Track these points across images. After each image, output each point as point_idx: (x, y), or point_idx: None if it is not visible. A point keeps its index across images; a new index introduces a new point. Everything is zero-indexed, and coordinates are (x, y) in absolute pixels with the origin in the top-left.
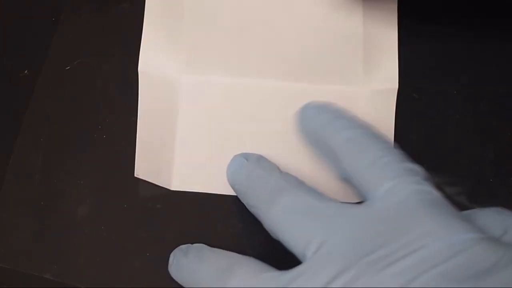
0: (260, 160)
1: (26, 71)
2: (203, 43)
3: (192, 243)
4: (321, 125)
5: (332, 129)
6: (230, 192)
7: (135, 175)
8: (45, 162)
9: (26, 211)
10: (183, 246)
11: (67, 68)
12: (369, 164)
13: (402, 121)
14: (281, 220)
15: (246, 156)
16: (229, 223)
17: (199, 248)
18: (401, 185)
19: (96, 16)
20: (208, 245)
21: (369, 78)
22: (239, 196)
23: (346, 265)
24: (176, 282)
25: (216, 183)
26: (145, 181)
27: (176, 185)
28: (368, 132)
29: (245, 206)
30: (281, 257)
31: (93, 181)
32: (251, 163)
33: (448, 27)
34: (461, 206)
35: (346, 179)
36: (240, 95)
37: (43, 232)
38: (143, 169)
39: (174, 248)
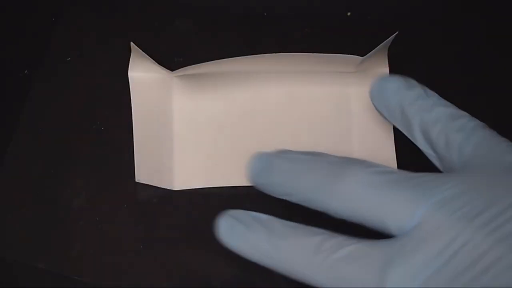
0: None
1: (26, 71)
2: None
3: (186, 238)
4: (408, 101)
5: (421, 108)
6: (231, 183)
7: (136, 180)
8: (42, 153)
9: (22, 200)
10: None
11: (67, 59)
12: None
13: None
14: (361, 195)
15: (268, 153)
16: None
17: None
18: (491, 155)
19: (97, 11)
20: (203, 240)
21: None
22: (272, 191)
23: (457, 232)
24: (169, 274)
25: (217, 177)
26: None
27: (179, 185)
28: (458, 111)
29: (239, 203)
30: None
31: (89, 173)
32: (284, 154)
33: (449, 30)
34: None
35: (427, 152)
36: (232, 89)
37: (38, 222)
38: (143, 173)
39: (168, 242)
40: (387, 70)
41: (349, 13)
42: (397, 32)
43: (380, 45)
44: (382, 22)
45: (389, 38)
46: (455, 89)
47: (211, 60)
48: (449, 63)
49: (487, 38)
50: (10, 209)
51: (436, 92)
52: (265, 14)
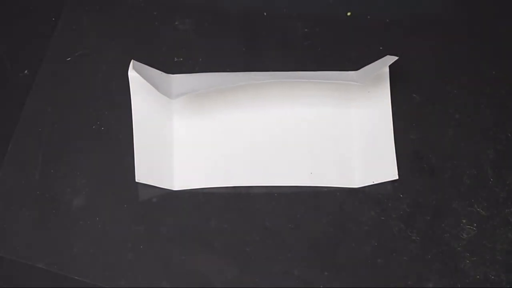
0: None
1: (26, 71)
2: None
3: (185, 238)
4: None
5: None
6: (231, 184)
7: (137, 180)
8: (42, 153)
9: (22, 200)
10: None
11: (67, 59)
12: None
13: (402, 121)
14: None
15: None
16: (223, 219)
17: None
18: None
19: (97, 12)
20: (203, 240)
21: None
22: None
23: None
24: (169, 274)
25: (217, 178)
26: None
27: (179, 185)
28: None
29: (239, 203)
30: (274, 253)
31: (90, 173)
32: None
33: (449, 30)
34: (461, 207)
35: None
36: (231, 90)
37: (38, 222)
38: (143, 173)
39: (168, 242)
40: (387, 69)
41: (349, 13)
42: (397, 58)
43: (379, 60)
44: (382, 22)
45: (390, 59)
46: (454, 89)
47: (211, 60)
48: (449, 63)
49: (487, 38)
50: (11, 208)
51: (435, 92)
52: (265, 14)
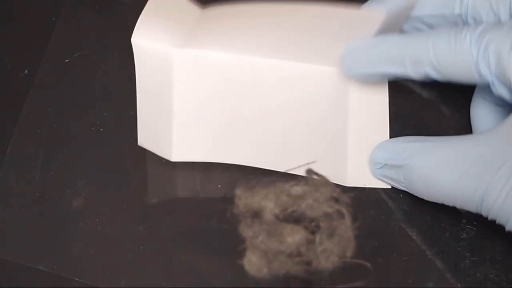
0: None
1: (26, 71)
2: (201, 24)
3: (185, 239)
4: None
5: None
6: (229, 161)
7: (139, 144)
8: (42, 154)
9: (22, 201)
10: None
11: (66, 60)
12: None
13: (402, 121)
14: None
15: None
16: (223, 219)
17: None
18: None
19: (96, 12)
20: (203, 241)
21: None
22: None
23: None
24: (169, 274)
25: (215, 153)
26: (140, 175)
27: (176, 157)
28: None
29: (238, 202)
30: None
31: (89, 174)
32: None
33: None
34: None
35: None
36: (232, 70)
37: (37, 223)
38: (145, 139)
39: (168, 242)
40: None
41: None
42: None
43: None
44: None
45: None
46: (454, 89)
47: None
48: None
49: None
50: (10, 209)
51: (435, 92)
52: None
